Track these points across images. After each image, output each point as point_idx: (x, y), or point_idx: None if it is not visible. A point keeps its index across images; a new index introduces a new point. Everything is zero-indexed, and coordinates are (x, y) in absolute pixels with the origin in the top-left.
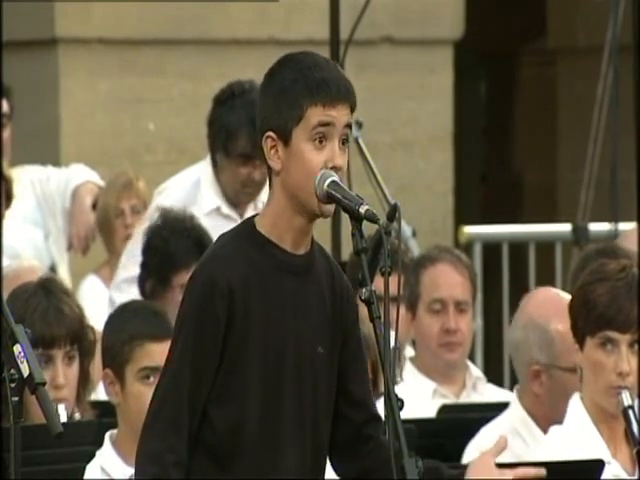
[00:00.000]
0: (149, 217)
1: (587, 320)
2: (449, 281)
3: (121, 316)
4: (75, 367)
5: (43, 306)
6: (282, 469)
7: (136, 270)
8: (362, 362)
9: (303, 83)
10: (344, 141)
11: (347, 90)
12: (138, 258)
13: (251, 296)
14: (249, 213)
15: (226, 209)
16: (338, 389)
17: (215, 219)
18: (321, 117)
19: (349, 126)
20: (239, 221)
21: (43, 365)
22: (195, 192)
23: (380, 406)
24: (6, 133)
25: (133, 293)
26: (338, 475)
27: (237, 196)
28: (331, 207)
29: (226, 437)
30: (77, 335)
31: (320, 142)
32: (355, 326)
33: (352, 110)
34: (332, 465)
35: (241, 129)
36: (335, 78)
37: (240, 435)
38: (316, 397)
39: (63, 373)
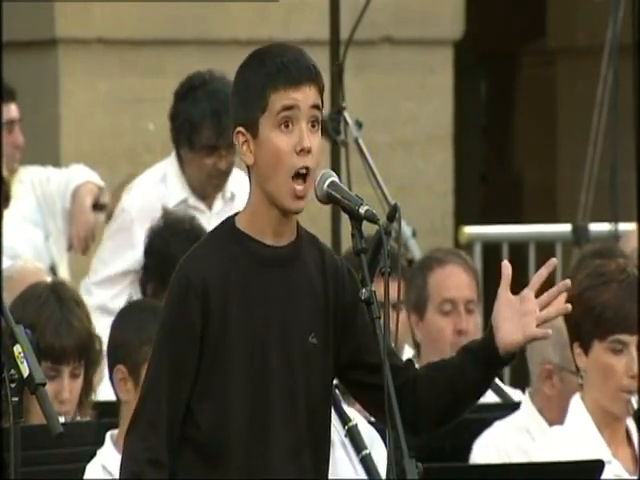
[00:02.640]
0: (117, 217)
1: (596, 325)
2: (459, 281)
3: (139, 315)
4: (80, 380)
5: (57, 317)
6: (272, 466)
7: (105, 272)
8: (371, 331)
9: (263, 71)
10: (314, 123)
11: (309, 70)
12: (108, 260)
13: (230, 293)
14: (217, 204)
15: (193, 201)
16: (354, 365)
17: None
18: (284, 101)
19: (317, 107)
20: (208, 212)
21: (49, 378)
22: (162, 188)
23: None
24: (19, 137)
25: (104, 295)
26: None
27: (204, 188)
28: (300, 203)
29: (211, 434)
30: (85, 349)
31: (287, 127)
32: (357, 302)
33: (320, 91)
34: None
35: (205, 121)
36: (295, 60)
37: (225, 432)
38: (311, 389)
39: (69, 388)
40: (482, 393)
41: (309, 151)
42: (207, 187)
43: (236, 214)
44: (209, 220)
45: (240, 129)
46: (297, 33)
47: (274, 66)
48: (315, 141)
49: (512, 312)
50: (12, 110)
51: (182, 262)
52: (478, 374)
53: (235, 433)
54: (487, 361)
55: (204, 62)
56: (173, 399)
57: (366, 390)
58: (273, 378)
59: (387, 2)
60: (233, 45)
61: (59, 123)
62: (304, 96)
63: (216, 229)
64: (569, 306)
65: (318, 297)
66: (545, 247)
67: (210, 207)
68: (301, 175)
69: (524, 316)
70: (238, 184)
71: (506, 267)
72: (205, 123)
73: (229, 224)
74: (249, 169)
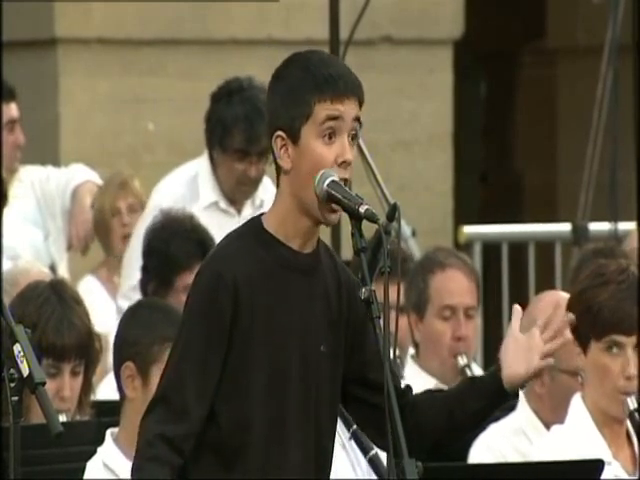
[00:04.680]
0: (147, 216)
1: (593, 325)
2: (460, 287)
3: (150, 313)
4: (80, 379)
5: (58, 315)
6: (287, 468)
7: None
8: (377, 348)
9: (311, 80)
10: (353, 136)
11: (354, 84)
12: (140, 263)
13: (256, 294)
14: (247, 209)
15: (224, 204)
16: (358, 381)
17: (213, 213)
18: (329, 111)
19: (358, 120)
20: (237, 217)
21: (50, 376)
22: (193, 188)
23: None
24: (21, 136)
25: None
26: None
27: (233, 193)
28: (335, 216)
29: (231, 435)
30: (85, 348)
31: (330, 138)
32: (366, 317)
33: (360, 105)
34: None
35: (237, 124)
36: (342, 73)
37: (245, 433)
38: (319, 397)
39: (69, 386)
40: (478, 425)
41: (349, 163)
42: (236, 193)
43: (261, 214)
44: (238, 225)
45: (280, 133)
46: (297, 33)
47: (322, 76)
48: (353, 153)
49: (518, 348)
50: (12, 109)
51: (209, 260)
52: (478, 406)
53: (255, 433)
54: (490, 394)
55: (204, 62)
56: (198, 388)
57: (365, 407)
58: (291, 383)
59: (387, 2)
60: (233, 45)
61: (59, 123)
62: (348, 108)
63: (242, 229)
64: (569, 336)
65: (331, 309)
66: (545, 247)
67: (240, 212)
68: None
69: (528, 351)
70: (267, 192)
71: (517, 310)
72: (237, 127)
73: (256, 225)
74: (280, 173)
